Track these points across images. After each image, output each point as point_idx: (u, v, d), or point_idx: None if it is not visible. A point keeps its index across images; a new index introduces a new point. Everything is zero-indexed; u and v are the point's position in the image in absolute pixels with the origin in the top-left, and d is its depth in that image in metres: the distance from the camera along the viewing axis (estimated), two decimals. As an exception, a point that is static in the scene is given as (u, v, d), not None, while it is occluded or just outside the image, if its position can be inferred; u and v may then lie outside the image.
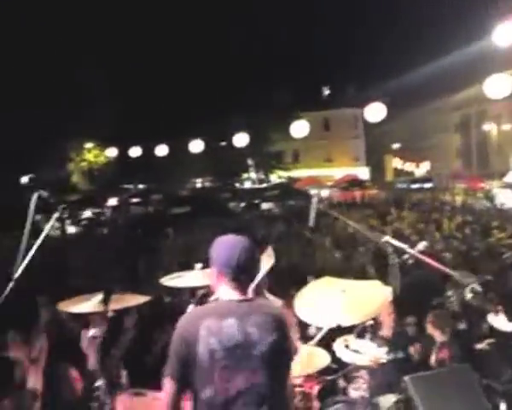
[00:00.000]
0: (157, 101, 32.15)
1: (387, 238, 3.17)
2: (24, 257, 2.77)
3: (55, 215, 2.89)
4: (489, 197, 25.86)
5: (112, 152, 31.24)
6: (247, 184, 40.83)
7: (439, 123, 53.00)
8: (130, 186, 38.77)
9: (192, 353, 2.36)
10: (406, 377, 3.84)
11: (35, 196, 2.90)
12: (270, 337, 2.41)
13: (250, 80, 33.56)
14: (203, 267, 3.34)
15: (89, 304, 2.88)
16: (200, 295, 3.29)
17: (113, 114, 31.13)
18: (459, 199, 25.59)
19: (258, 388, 2.36)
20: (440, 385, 3.67)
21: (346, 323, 3.28)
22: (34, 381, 3.02)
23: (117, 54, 30.97)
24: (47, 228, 2.91)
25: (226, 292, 2.52)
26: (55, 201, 2.92)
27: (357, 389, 4.12)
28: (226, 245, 2.56)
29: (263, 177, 41.01)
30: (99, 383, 2.91)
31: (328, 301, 3.30)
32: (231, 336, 2.37)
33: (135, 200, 30.57)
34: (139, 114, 32.00)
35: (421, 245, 3.38)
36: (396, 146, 56.16)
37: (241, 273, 2.50)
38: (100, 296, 2.84)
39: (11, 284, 2.76)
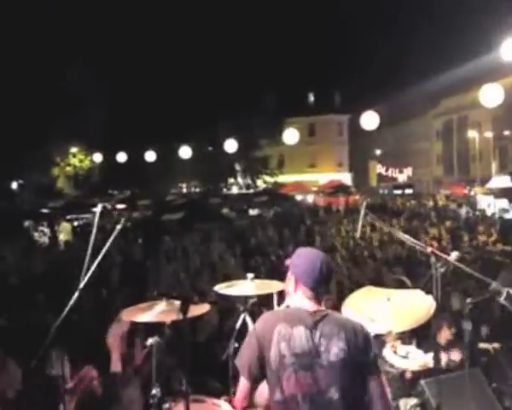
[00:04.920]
0: (144, 106, 32.06)
1: (432, 249, 3.31)
2: (88, 268, 2.81)
3: (119, 227, 2.92)
4: (470, 203, 26.52)
5: (97, 157, 31.08)
6: (234, 190, 40.84)
7: (422, 130, 53.83)
8: (116, 192, 38.42)
9: (265, 355, 2.46)
10: (422, 381, 3.94)
11: (99, 208, 2.96)
12: (338, 349, 2.42)
13: (237, 86, 33.68)
14: (254, 278, 3.44)
15: (152, 313, 2.94)
16: (251, 304, 3.37)
17: (99, 119, 30.96)
18: (443, 205, 26.20)
19: (324, 398, 2.39)
20: (455, 388, 3.69)
21: (395, 329, 3.38)
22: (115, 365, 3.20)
23: (105, 58, 30.83)
24: (110, 240, 2.94)
25: (301, 300, 2.60)
26: (118, 213, 2.97)
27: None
28: (309, 256, 2.64)
29: (249, 182, 41.01)
30: (154, 391, 2.95)
31: (375, 308, 3.37)
32: (300, 344, 2.44)
33: (120, 206, 30.20)
34: (126, 120, 31.85)
35: (454, 255, 3.52)
36: (379, 152, 56.73)
37: (320, 285, 2.58)
38: (163, 304, 2.91)
39: (76, 295, 2.81)
